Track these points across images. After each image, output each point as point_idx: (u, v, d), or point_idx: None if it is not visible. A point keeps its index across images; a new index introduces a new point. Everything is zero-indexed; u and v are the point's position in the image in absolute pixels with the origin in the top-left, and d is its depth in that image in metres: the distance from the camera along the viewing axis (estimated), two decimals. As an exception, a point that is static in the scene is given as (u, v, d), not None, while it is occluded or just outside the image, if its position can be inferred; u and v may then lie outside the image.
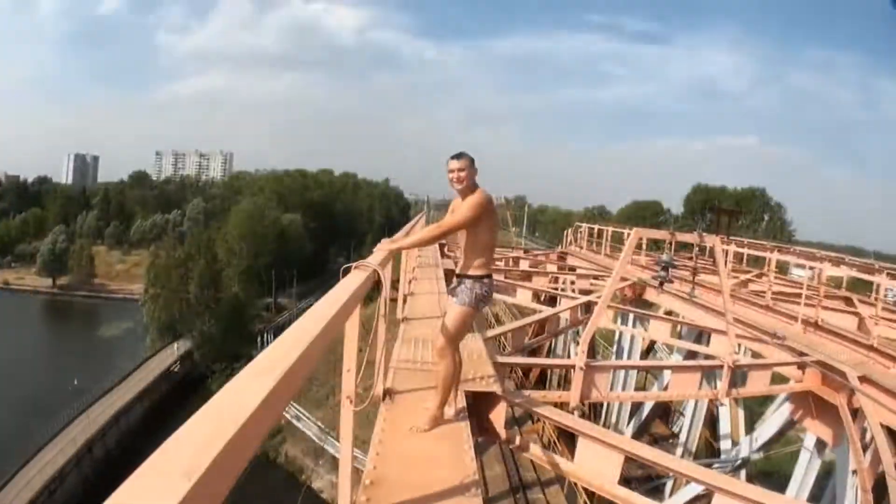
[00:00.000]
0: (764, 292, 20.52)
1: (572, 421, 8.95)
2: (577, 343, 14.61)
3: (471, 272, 6.63)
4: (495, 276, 22.59)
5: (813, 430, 14.58)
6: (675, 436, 25.26)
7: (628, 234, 16.71)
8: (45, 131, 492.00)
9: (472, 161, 6.56)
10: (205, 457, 1.61)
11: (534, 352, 25.68)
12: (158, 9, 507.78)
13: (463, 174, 6.50)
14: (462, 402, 7.19)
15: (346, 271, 5.29)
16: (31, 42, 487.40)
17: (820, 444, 14.85)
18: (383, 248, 6.67)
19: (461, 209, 6.46)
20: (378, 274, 5.54)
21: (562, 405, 12.14)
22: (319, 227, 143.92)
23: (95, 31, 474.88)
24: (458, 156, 6.55)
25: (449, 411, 6.84)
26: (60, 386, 70.24)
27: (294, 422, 60.33)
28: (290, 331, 2.95)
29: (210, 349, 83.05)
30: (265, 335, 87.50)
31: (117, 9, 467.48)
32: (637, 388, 24.36)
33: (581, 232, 38.04)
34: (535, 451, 9.18)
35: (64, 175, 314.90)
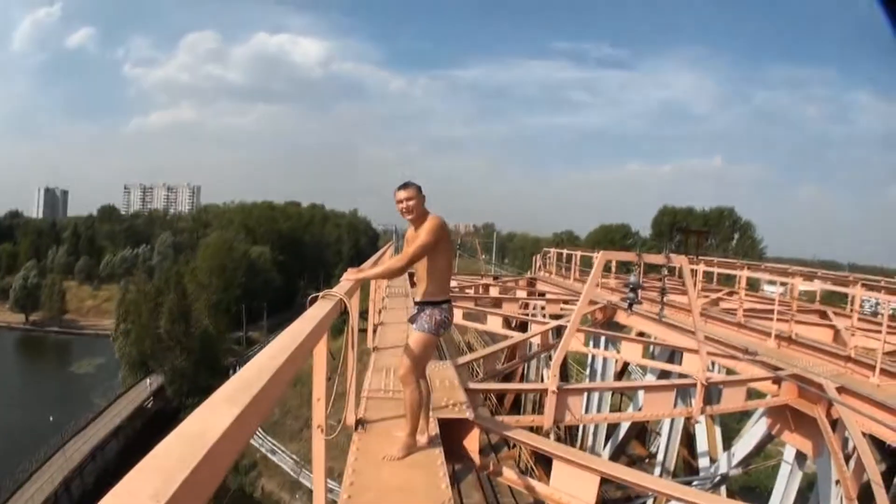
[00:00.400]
0: (735, 310, 20.66)
1: (546, 444, 8.99)
2: (550, 367, 14.67)
3: (430, 298, 6.68)
4: (466, 304, 22.80)
5: (792, 443, 14.65)
6: (653, 456, 25.31)
7: (596, 258, 16.82)
8: (15, 165, 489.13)
9: (419, 189, 6.62)
10: (174, 480, 1.63)
11: (507, 377, 25.75)
12: (126, 41, 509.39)
13: (411, 203, 6.57)
14: (435, 430, 7.22)
15: (313, 300, 5.24)
16: (2, 77, 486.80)
17: (800, 457, 14.92)
18: (349, 277, 6.62)
19: (420, 236, 6.47)
20: (345, 303, 5.51)
21: (536, 429, 12.19)
22: (288, 260, 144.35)
23: (63, 65, 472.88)
24: (405, 185, 6.61)
25: (422, 439, 6.85)
26: (36, 423, 69.79)
27: (269, 455, 60.57)
28: (258, 358, 2.94)
29: (182, 384, 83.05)
30: (236, 368, 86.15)
31: (84, 43, 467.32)
32: (612, 410, 24.38)
33: (549, 257, 38.19)
34: (511, 475, 9.15)
35: (35, 209, 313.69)
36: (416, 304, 6.80)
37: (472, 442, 8.37)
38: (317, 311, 4.61)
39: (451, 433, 7.89)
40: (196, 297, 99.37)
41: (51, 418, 67.75)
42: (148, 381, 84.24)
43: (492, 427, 9.11)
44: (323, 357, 4.97)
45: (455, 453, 8.01)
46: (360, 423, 7.39)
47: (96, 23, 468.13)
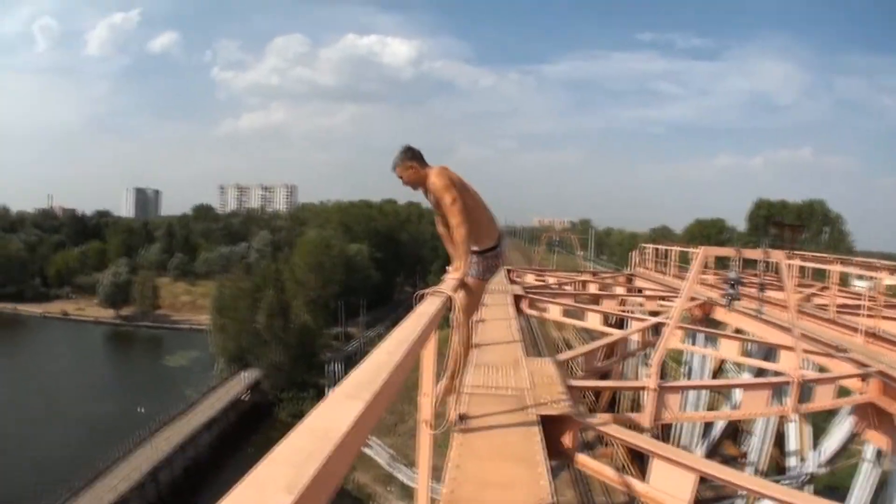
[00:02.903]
0: (828, 306, 20.40)
1: (645, 442, 8.93)
2: (647, 365, 14.58)
3: (475, 248, 6.77)
4: (565, 301, 22.68)
5: (872, 441, 14.55)
6: (745, 455, 25.05)
7: (693, 254, 16.70)
8: (105, 166, 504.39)
9: (405, 157, 6.56)
10: (305, 473, 1.71)
11: (604, 375, 25.65)
12: (213, 45, 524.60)
13: (410, 174, 6.56)
14: (537, 426, 7.34)
15: (421, 297, 5.28)
16: (84, 78, 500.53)
17: (880, 455, 14.79)
18: (452, 276, 6.54)
19: (442, 200, 6.44)
20: (451, 300, 5.53)
21: (634, 427, 12.13)
22: (386, 257, 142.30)
23: (148, 69, 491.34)
24: (394, 165, 6.59)
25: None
26: (126, 413, 70.52)
27: (364, 449, 59.97)
28: (374, 356, 2.98)
29: (279, 378, 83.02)
30: (334, 364, 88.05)
31: (169, 47, 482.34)
32: (708, 409, 24.10)
33: (647, 253, 37.89)
34: (609, 473, 9.12)
35: (124, 209, 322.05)
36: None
37: (572, 439, 8.38)
38: (426, 308, 4.67)
39: (551, 429, 7.94)
40: (294, 294, 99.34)
41: (140, 409, 68.35)
42: (244, 374, 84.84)
43: (591, 424, 9.06)
44: (431, 354, 5.05)
45: (553, 449, 7.93)
46: (461, 418, 7.42)
47: (179, 27, 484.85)
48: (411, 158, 6.53)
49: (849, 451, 18.62)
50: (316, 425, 2.08)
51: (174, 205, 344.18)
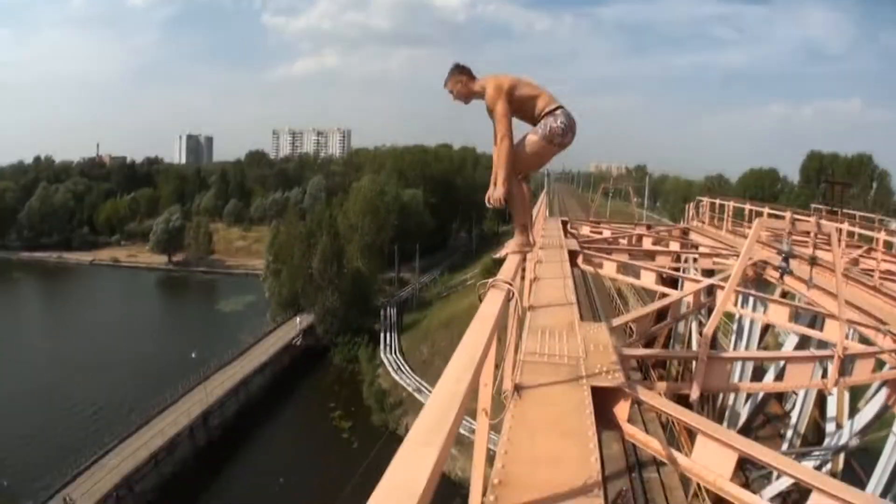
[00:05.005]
0: (873, 270, 20.48)
1: (690, 416, 9.16)
2: (700, 325, 14.64)
3: (540, 113, 6.84)
4: (620, 257, 22.79)
5: (904, 412, 14.74)
6: (788, 414, 25.26)
7: (748, 210, 16.57)
8: (155, 115, 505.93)
9: (457, 71, 6.81)
10: None
11: (657, 337, 25.81)
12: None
13: (460, 88, 6.80)
14: (589, 398, 7.25)
15: (483, 286, 5.43)
16: (129, 29, 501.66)
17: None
18: (512, 250, 6.95)
19: (494, 111, 6.64)
20: (511, 292, 5.55)
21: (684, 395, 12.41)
22: (440, 202, 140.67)
23: (196, 17, 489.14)
24: (445, 81, 6.84)
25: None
26: (179, 359, 70.62)
27: (415, 394, 61.94)
28: (443, 385, 3.01)
29: (332, 322, 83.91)
30: (387, 309, 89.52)
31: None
32: (754, 372, 24.11)
33: (703, 206, 37.82)
34: (655, 445, 9.07)
35: (177, 156, 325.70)
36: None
37: (622, 410, 8.35)
38: (488, 310, 4.77)
39: (602, 400, 7.96)
40: (348, 239, 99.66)
41: (193, 355, 68.21)
42: (297, 319, 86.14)
43: (640, 396, 9.24)
44: (492, 347, 4.75)
45: (604, 419, 7.97)
46: (516, 388, 7.30)
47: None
48: (461, 73, 6.75)
49: (884, 419, 18.87)
50: (396, 483, 2.06)
51: (226, 151, 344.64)
